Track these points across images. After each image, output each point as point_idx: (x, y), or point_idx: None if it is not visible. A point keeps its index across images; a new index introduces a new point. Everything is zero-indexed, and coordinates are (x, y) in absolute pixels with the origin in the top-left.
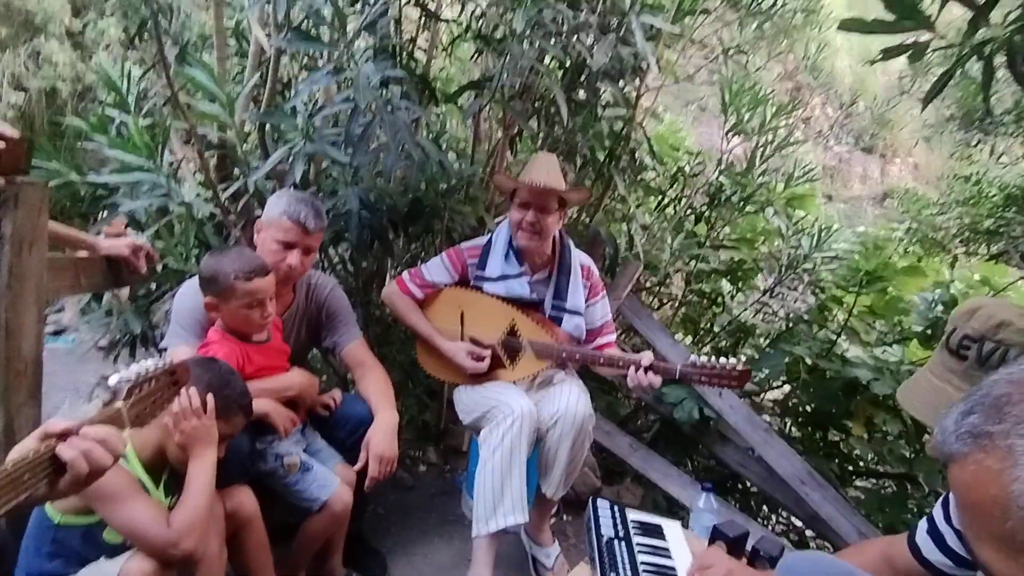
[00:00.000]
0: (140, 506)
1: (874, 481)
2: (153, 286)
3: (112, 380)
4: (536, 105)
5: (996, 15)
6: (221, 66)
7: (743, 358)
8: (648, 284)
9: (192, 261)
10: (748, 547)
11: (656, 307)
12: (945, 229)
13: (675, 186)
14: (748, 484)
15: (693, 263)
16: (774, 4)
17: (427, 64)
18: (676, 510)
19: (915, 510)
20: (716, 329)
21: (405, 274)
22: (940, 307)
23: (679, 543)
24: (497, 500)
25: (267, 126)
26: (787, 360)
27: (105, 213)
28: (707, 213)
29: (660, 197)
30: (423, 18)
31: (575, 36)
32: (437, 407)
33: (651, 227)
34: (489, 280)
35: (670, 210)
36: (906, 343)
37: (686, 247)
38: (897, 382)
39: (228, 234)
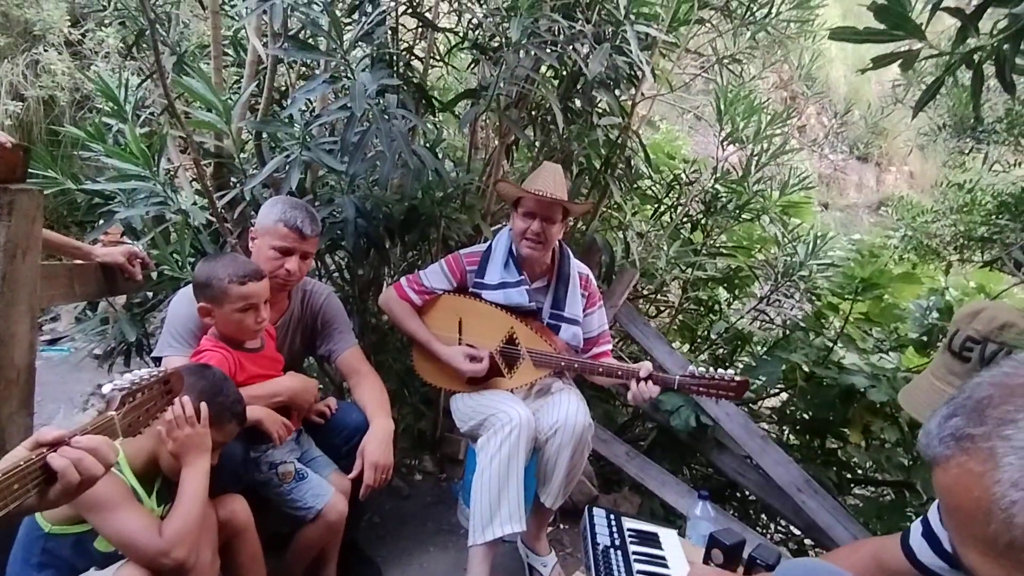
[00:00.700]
0: (131, 515)
1: (872, 489)
2: (149, 294)
3: (106, 389)
4: (532, 114)
5: (985, 24)
6: (218, 75)
7: (740, 366)
8: (645, 292)
9: (188, 269)
10: (745, 555)
11: (653, 315)
12: (940, 236)
13: (671, 194)
14: (745, 492)
15: (690, 271)
16: (768, 14)
17: (424, 73)
18: (673, 518)
19: (913, 518)
20: (713, 337)
21: (403, 280)
22: (935, 314)
23: (675, 551)
24: (494, 509)
25: (264, 134)
26: (784, 368)
27: (101, 221)
28: (703, 221)
29: (656, 205)
30: (420, 27)
31: (571, 45)
32: (433, 415)
33: (647, 235)
34: (488, 288)
35: (666, 218)
36: (902, 350)
37: (682, 255)
38: (894, 389)
39: (224, 242)
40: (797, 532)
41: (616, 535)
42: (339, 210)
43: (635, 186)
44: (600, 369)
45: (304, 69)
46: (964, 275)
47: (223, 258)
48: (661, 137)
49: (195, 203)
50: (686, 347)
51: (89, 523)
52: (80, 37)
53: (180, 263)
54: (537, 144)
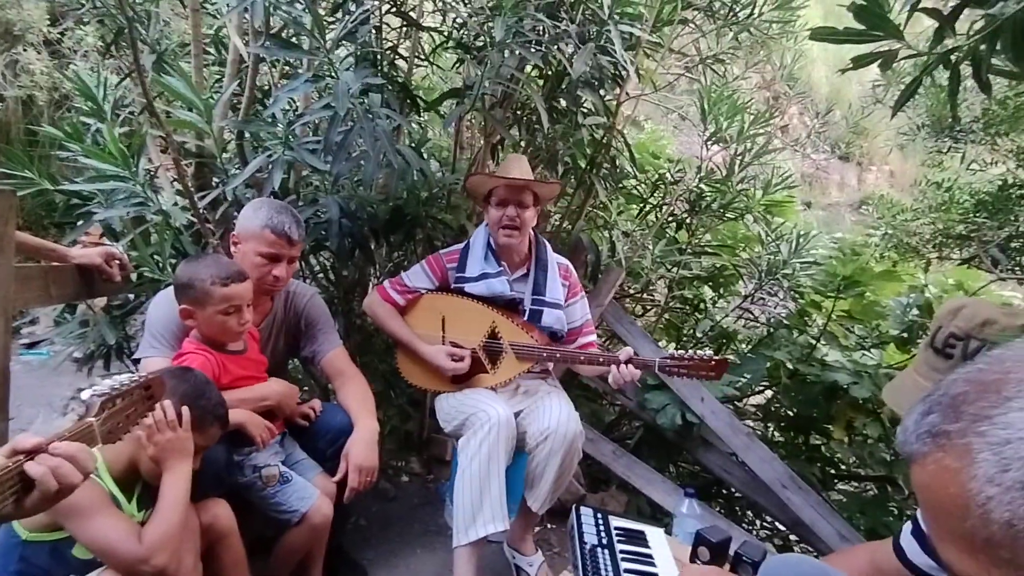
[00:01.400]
0: (110, 521)
1: (855, 484)
2: (130, 297)
3: (84, 395)
4: (517, 113)
5: (962, 25)
6: (199, 74)
7: None
8: (631, 291)
9: (168, 271)
10: (731, 552)
11: (639, 314)
12: (919, 234)
13: (656, 193)
14: (731, 489)
15: (675, 270)
16: (751, 14)
17: (409, 72)
18: (660, 516)
19: (896, 512)
20: (699, 335)
21: (386, 282)
22: (915, 311)
23: (662, 550)
24: (476, 509)
25: (246, 134)
26: (768, 365)
27: (80, 222)
28: (688, 220)
29: (642, 204)
30: (404, 26)
31: (555, 45)
32: (420, 417)
33: (633, 234)
34: (470, 280)
35: (652, 217)
36: (884, 347)
37: (668, 254)
38: (876, 386)
39: (206, 243)
40: (782, 528)
41: (603, 534)
42: (323, 210)
43: (620, 186)
44: (582, 358)
45: (287, 68)
46: (943, 272)
47: (205, 259)
48: (646, 137)
49: (176, 204)
50: (672, 346)
51: (67, 530)
52: (59, 36)
53: (160, 265)
54: (522, 144)
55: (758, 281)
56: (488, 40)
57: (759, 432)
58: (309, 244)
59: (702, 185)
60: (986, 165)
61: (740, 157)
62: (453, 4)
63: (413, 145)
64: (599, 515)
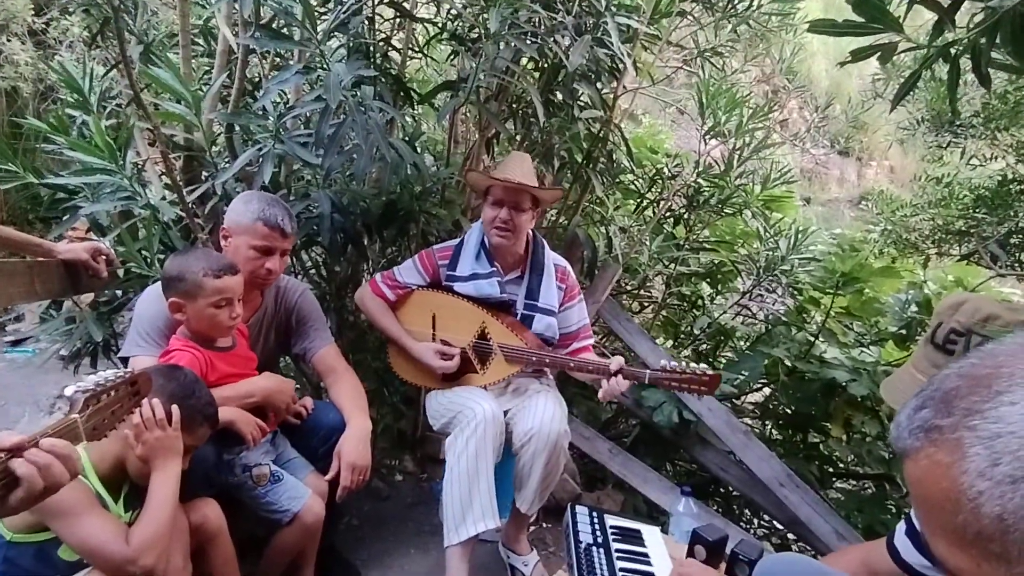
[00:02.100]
0: (97, 522)
1: (853, 482)
2: (117, 293)
3: (69, 391)
4: (513, 107)
5: (962, 18)
6: (187, 65)
7: (723, 362)
8: (628, 287)
9: (156, 266)
10: (728, 550)
11: (636, 310)
12: (918, 230)
13: (653, 188)
14: (728, 487)
15: (672, 266)
16: (749, 7)
17: (402, 64)
18: (656, 515)
19: (894, 510)
20: (696, 332)
21: (378, 276)
22: (914, 307)
23: (658, 548)
24: (466, 507)
25: (235, 127)
26: (766, 362)
27: (66, 217)
28: (686, 215)
29: (639, 199)
30: (397, 17)
31: (551, 37)
32: (413, 415)
33: (630, 230)
34: (460, 280)
35: (649, 212)
36: (882, 344)
37: (665, 250)
38: (874, 383)
39: (195, 238)
40: (780, 527)
41: (599, 533)
42: (314, 205)
43: (617, 180)
44: (571, 364)
45: (277, 59)
46: (942, 269)
47: (195, 251)
48: (643, 131)
49: (164, 198)
50: (669, 343)
51: (52, 531)
52: (44, 26)
53: (148, 260)
54: (518, 138)
55: (756, 277)
56: (483, 32)
57: (757, 430)
58: (300, 239)
59: (700, 180)
60: (986, 160)
61: (739, 152)
62: None
63: (406, 139)
64: (595, 514)
